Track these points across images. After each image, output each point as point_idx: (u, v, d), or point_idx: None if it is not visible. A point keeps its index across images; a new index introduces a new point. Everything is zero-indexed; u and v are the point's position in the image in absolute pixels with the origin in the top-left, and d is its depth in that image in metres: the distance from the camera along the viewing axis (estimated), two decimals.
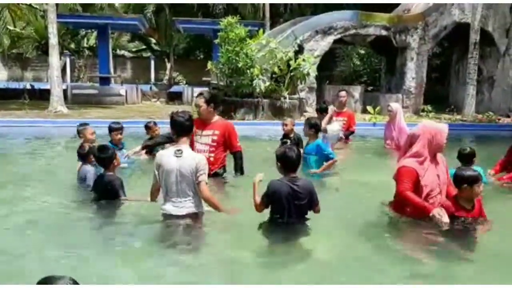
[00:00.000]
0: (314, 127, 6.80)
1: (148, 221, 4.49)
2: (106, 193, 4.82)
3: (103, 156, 4.91)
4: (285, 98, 13.74)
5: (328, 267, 3.65)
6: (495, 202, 5.14)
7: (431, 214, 4.08)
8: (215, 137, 5.92)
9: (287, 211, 4.14)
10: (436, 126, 4.55)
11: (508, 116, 16.07)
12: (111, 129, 6.93)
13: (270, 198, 4.15)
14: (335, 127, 8.21)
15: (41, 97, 17.92)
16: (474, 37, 15.10)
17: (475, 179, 4.09)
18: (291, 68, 13.62)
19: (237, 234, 4.22)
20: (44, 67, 25.68)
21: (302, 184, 4.19)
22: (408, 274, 3.51)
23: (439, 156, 4.51)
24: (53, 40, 14.86)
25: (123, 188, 4.87)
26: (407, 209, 4.35)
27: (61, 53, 22.56)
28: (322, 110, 8.73)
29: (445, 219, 4.01)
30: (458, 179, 4.12)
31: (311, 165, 6.67)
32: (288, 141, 7.28)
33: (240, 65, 13.20)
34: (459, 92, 17.59)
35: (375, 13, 16.42)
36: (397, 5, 18.69)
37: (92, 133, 6.34)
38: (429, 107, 16.38)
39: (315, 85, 15.50)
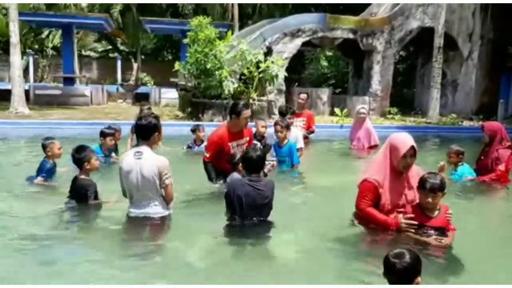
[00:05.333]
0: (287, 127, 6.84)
1: (113, 224, 4.43)
2: (79, 196, 4.78)
3: (76, 156, 4.88)
4: (253, 100, 13.71)
5: (290, 269, 3.62)
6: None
7: (399, 227, 3.90)
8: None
9: (245, 212, 4.15)
10: (397, 140, 4.08)
11: (471, 119, 16.51)
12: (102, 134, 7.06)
13: (230, 197, 4.17)
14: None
15: (1, 97, 17.30)
16: (438, 41, 15.43)
17: (421, 184, 3.83)
18: (260, 70, 13.60)
19: (200, 237, 4.14)
20: (5, 66, 24.77)
21: (265, 183, 4.25)
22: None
23: (414, 170, 4.13)
24: (15, 38, 14.42)
25: (96, 192, 4.83)
26: (370, 224, 4.14)
27: (24, 53, 21.90)
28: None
29: (413, 222, 3.86)
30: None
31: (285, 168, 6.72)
32: (258, 144, 7.24)
33: (208, 66, 13.09)
34: (424, 95, 17.96)
35: (342, 16, 16.62)
36: (365, 7, 18.96)
37: (60, 148, 5.87)
38: (395, 110, 16.67)
39: (283, 87, 15.53)
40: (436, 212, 3.90)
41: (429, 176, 3.86)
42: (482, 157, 6.44)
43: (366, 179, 4.11)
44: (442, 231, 3.88)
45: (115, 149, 7.35)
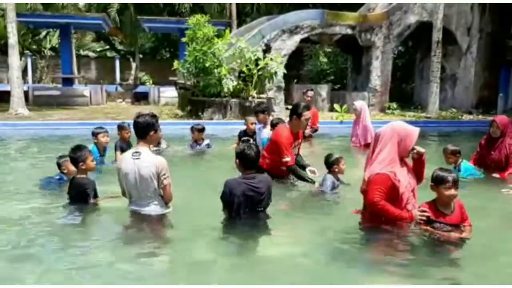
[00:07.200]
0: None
1: (112, 223, 4.46)
2: (78, 196, 4.74)
3: (71, 155, 4.87)
4: (253, 97, 13.70)
5: (291, 269, 3.60)
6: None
7: (414, 221, 3.91)
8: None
9: (242, 210, 4.14)
10: (406, 128, 4.06)
11: (470, 113, 16.51)
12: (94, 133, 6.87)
13: (227, 197, 4.14)
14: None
15: (1, 99, 17.31)
16: (437, 35, 15.42)
17: (440, 181, 3.81)
18: (259, 67, 13.58)
19: (198, 235, 4.14)
20: (3, 68, 24.75)
21: (260, 179, 4.23)
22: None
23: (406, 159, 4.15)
24: (13, 39, 14.41)
25: (95, 191, 4.81)
26: (382, 218, 4.01)
27: (22, 54, 21.86)
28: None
29: (427, 213, 3.87)
30: (431, 177, 3.92)
31: None
32: (251, 139, 7.24)
33: (207, 64, 13.07)
34: (423, 90, 17.96)
35: (341, 12, 16.59)
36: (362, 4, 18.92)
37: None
38: (394, 105, 16.66)
39: (283, 84, 15.51)
40: (451, 209, 3.91)
41: (444, 171, 3.91)
42: (493, 152, 6.37)
43: (378, 173, 3.95)
44: (457, 227, 3.89)
45: (128, 146, 7.11)
